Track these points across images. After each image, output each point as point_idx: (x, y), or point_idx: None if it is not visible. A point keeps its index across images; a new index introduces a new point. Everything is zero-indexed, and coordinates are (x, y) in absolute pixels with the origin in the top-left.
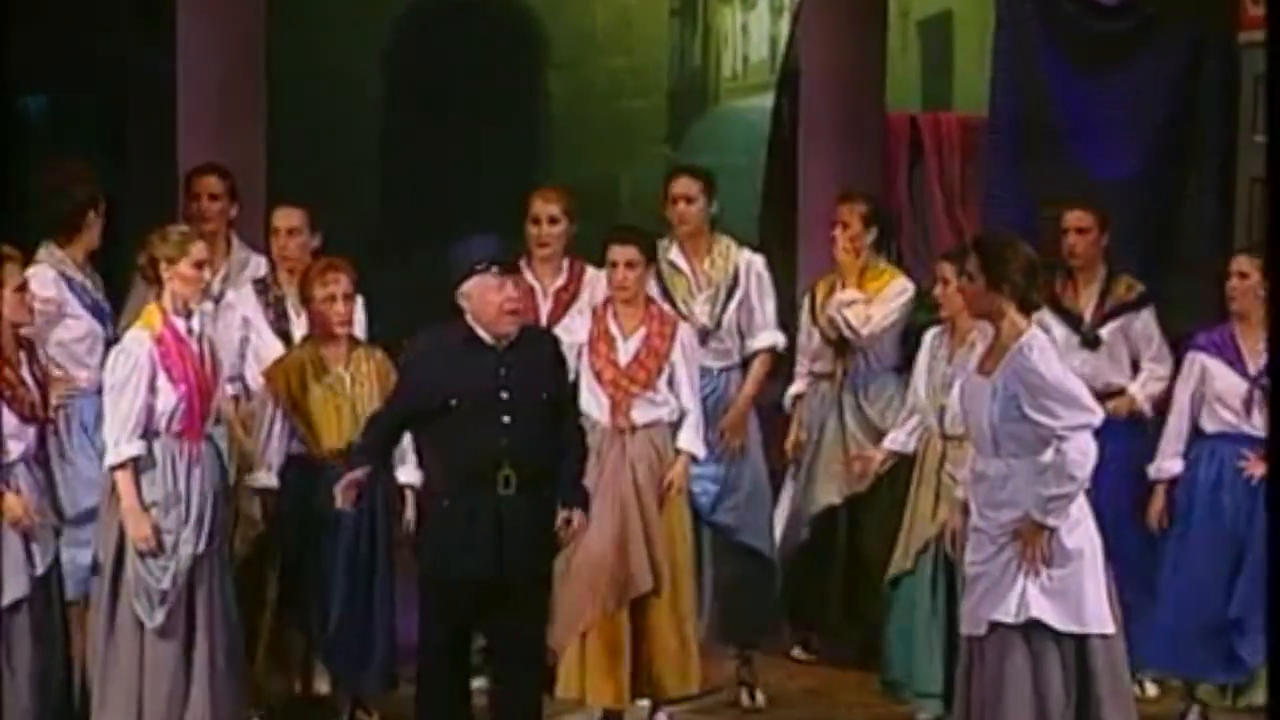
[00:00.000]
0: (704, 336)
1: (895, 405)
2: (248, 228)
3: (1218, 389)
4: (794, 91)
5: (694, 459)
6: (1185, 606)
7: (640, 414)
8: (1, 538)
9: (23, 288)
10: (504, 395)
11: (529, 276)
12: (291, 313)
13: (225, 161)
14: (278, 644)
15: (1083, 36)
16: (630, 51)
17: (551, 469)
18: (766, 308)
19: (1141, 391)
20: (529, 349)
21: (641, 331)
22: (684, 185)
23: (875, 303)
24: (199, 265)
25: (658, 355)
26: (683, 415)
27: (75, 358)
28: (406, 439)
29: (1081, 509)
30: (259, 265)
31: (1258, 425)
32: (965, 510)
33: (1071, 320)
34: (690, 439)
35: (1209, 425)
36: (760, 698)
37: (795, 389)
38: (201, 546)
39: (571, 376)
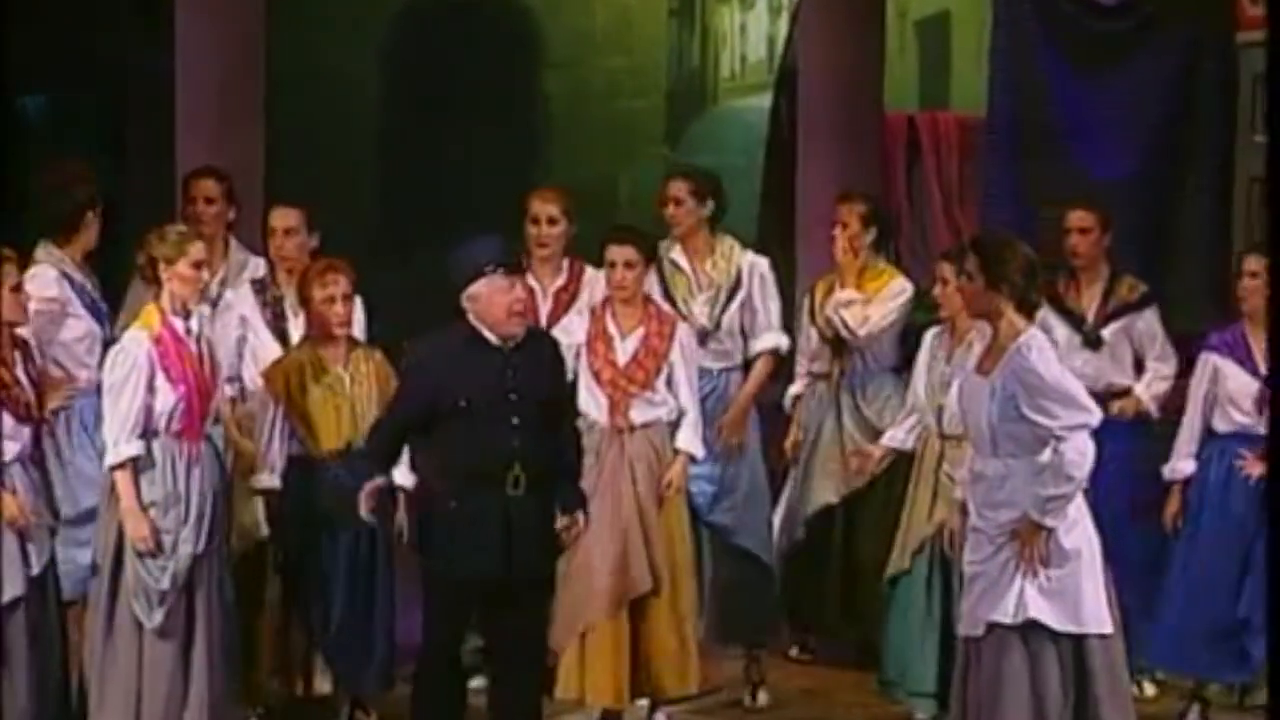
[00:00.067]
0: (703, 337)
1: (893, 405)
2: (246, 228)
3: (1229, 389)
4: (792, 91)
5: (692, 459)
6: (1194, 606)
7: (639, 414)
8: None
9: (18, 287)
10: (512, 396)
11: (528, 277)
12: (289, 313)
13: (223, 161)
14: (279, 644)
15: (1081, 36)
16: (628, 52)
17: (556, 470)
18: (770, 309)
19: (1147, 392)
20: (533, 350)
21: (640, 331)
22: (672, 188)
23: (873, 303)
24: (197, 265)
25: (656, 355)
26: (681, 415)
27: (76, 358)
28: None
29: (1079, 509)
30: (257, 267)
31: None
32: (964, 510)
33: (1074, 320)
34: (689, 439)
35: (1220, 425)
36: (762, 698)
37: (794, 389)
38: (200, 546)
39: (570, 377)
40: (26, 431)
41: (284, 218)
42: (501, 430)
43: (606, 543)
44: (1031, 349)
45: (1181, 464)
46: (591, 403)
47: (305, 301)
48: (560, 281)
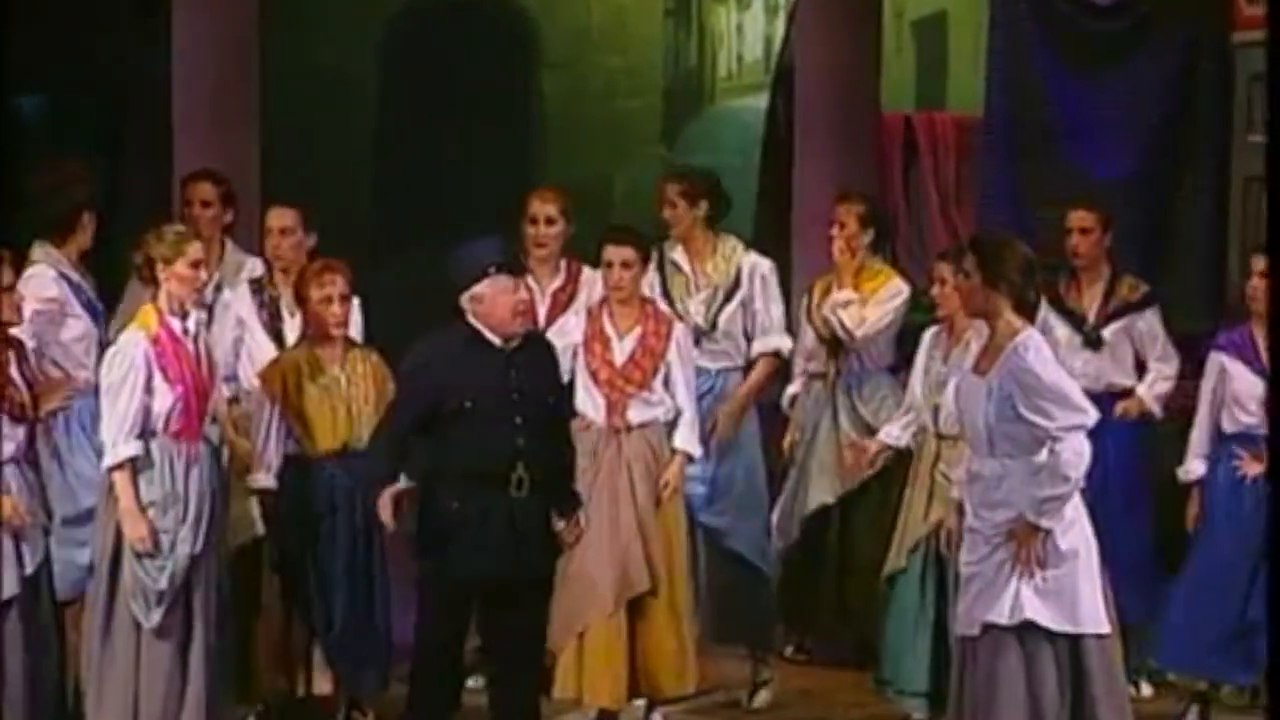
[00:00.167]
0: (698, 337)
1: (889, 405)
2: (242, 228)
3: (1236, 390)
4: (789, 91)
5: (690, 459)
6: (1204, 607)
7: (636, 414)
8: None
9: (11, 288)
10: (515, 396)
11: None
12: (285, 313)
13: (220, 161)
14: (278, 644)
15: (1077, 36)
16: (625, 51)
17: (556, 471)
18: (772, 311)
19: (1149, 392)
20: (532, 351)
21: (637, 331)
22: (665, 190)
23: (870, 304)
24: (195, 265)
25: (653, 355)
26: (678, 415)
27: (75, 358)
28: None
29: (1076, 509)
30: (255, 267)
31: None
32: (960, 510)
33: (1075, 320)
34: (686, 439)
35: (1228, 426)
36: (761, 699)
37: (791, 389)
38: (199, 547)
39: (568, 377)
40: (21, 432)
41: (279, 218)
42: (505, 431)
43: (604, 543)
44: (1029, 349)
45: (1194, 465)
46: (589, 403)
47: (302, 302)
48: (558, 282)
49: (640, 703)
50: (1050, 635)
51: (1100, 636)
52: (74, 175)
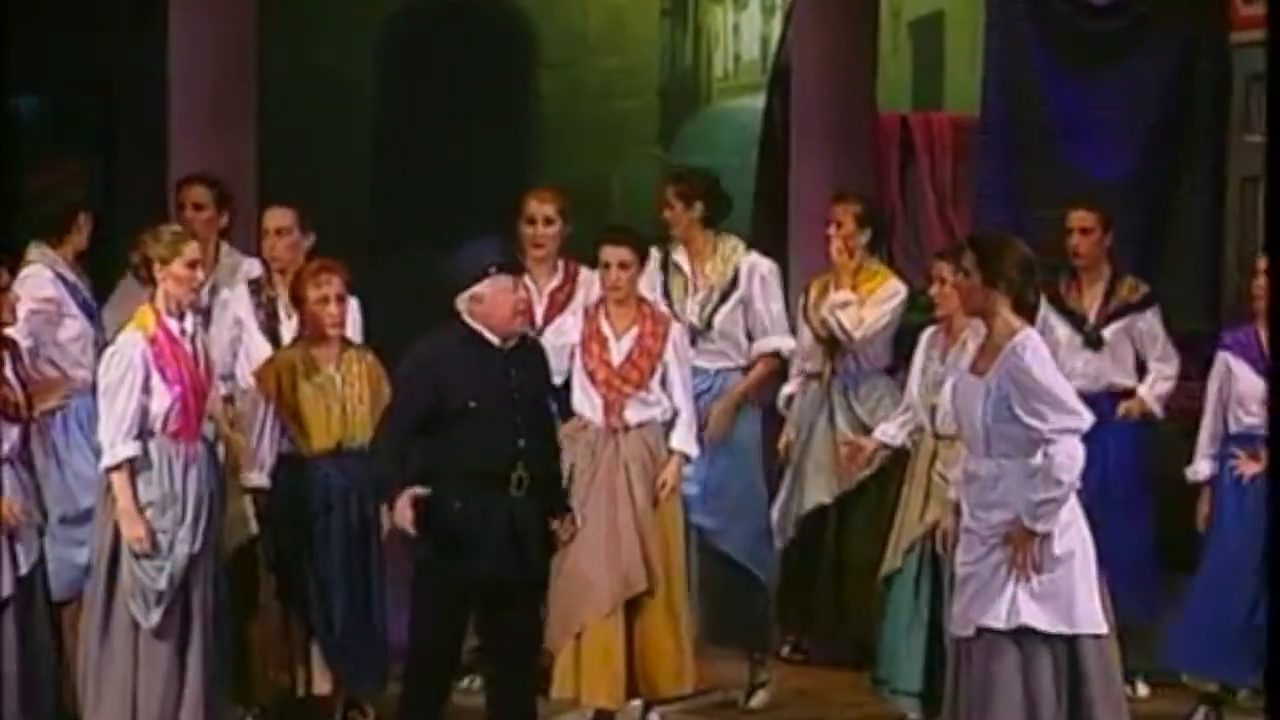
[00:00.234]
0: (694, 337)
1: (885, 405)
2: (241, 229)
3: (1240, 390)
4: (785, 91)
5: (687, 459)
6: (1213, 609)
7: (633, 414)
8: None
9: (7, 288)
10: (515, 396)
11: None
12: (283, 314)
13: (217, 162)
14: (276, 644)
15: (1074, 36)
16: (622, 51)
17: (551, 471)
18: (773, 311)
19: (1150, 393)
20: (527, 351)
21: (634, 331)
22: (665, 191)
23: (868, 305)
24: (192, 265)
25: (650, 355)
26: (675, 415)
27: (72, 358)
28: None
29: (1073, 510)
30: (251, 268)
31: None
32: (957, 511)
33: (1075, 320)
34: (683, 439)
35: (1232, 426)
36: (758, 699)
37: (787, 389)
38: (197, 547)
39: (565, 377)
40: (15, 432)
41: (275, 218)
42: (506, 431)
43: (601, 543)
44: (1026, 349)
45: (1201, 465)
46: (586, 403)
47: (299, 302)
48: (556, 282)
49: (637, 703)
50: (1047, 637)
51: (1097, 637)
52: (70, 175)
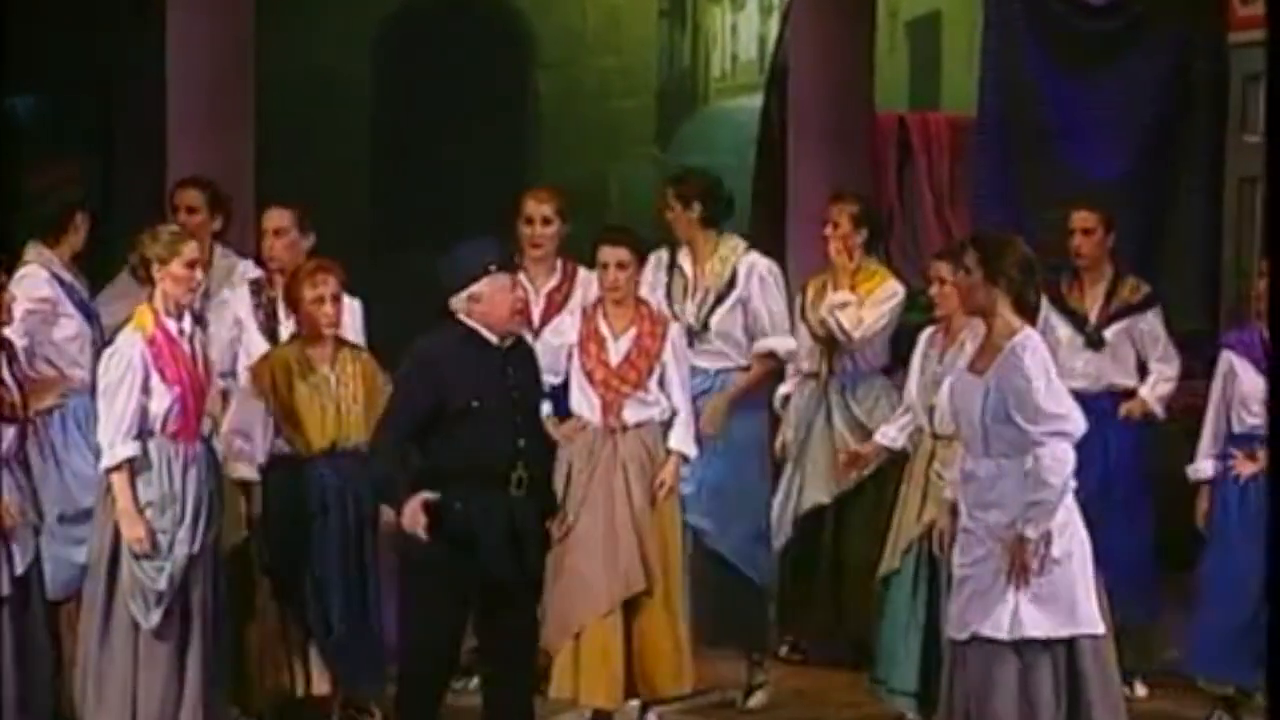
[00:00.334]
0: (691, 338)
1: (882, 405)
2: (238, 229)
3: (1243, 389)
4: (783, 91)
5: (685, 459)
6: (1221, 610)
7: (631, 414)
8: None
9: (3, 288)
10: (515, 395)
11: (522, 277)
12: (282, 314)
13: (215, 162)
14: (274, 645)
15: (1071, 36)
16: (619, 51)
17: (546, 470)
18: (772, 311)
19: (1152, 394)
20: (522, 350)
21: (632, 331)
22: (665, 192)
23: (867, 305)
24: (191, 265)
25: (649, 355)
26: (674, 415)
27: (69, 357)
28: None
29: (1070, 511)
30: (246, 270)
31: None
32: (953, 511)
33: (1077, 321)
34: (681, 439)
35: (1235, 426)
36: (755, 700)
37: (783, 389)
38: (197, 547)
39: (562, 377)
40: (12, 431)
41: (273, 219)
42: (507, 430)
43: (600, 543)
44: (1026, 349)
45: (1203, 464)
46: (584, 403)
47: (295, 301)
48: (553, 282)
49: (635, 703)
50: (1047, 643)
51: (1094, 637)
52: (68, 175)
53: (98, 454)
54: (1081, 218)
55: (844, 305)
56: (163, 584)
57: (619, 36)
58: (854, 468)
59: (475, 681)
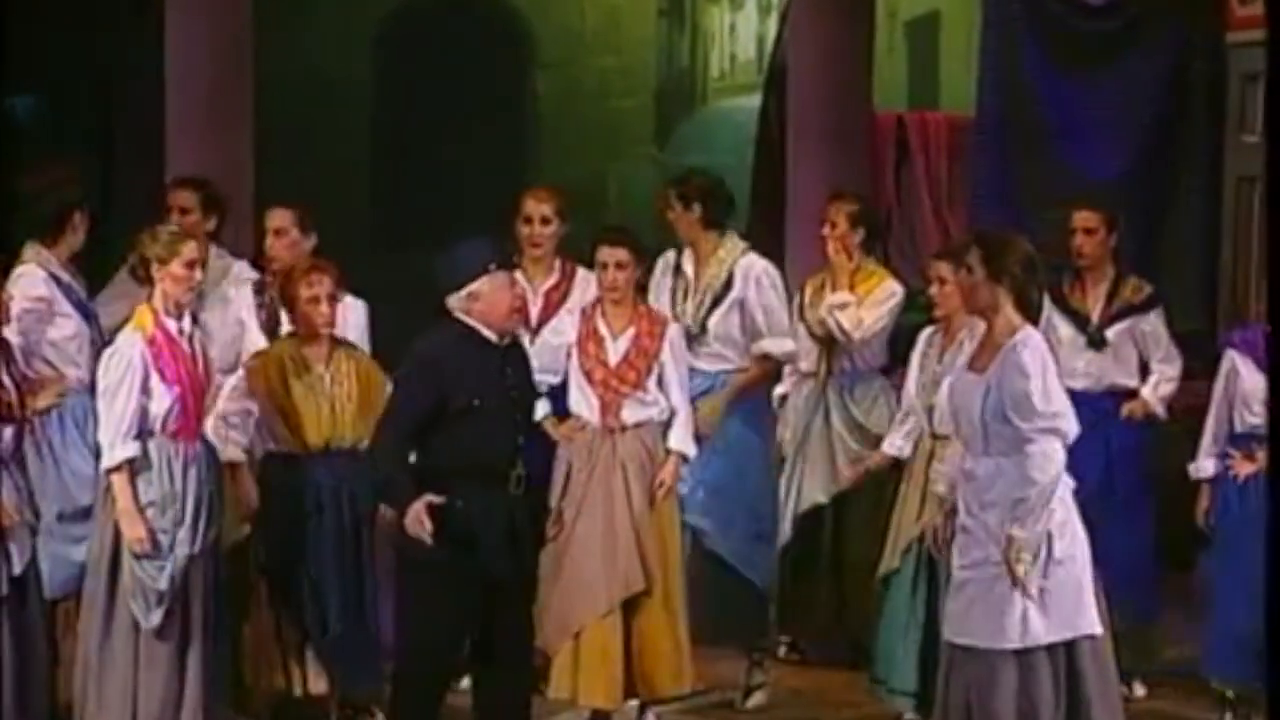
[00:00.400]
0: (690, 340)
1: (880, 404)
2: (236, 229)
3: (1245, 389)
4: (781, 91)
5: (685, 458)
6: (1238, 612)
7: (630, 414)
8: None
9: None
10: (513, 394)
11: (519, 276)
12: (283, 315)
13: (213, 162)
14: (270, 645)
15: (1070, 36)
16: (618, 51)
17: (541, 469)
18: (769, 313)
19: (1154, 395)
20: (518, 349)
21: (631, 331)
22: (667, 193)
23: (866, 305)
24: (190, 265)
25: (647, 355)
26: (673, 415)
27: (67, 356)
28: None
29: (1069, 511)
30: (241, 271)
31: None
32: (943, 504)
33: (1079, 321)
34: (680, 439)
35: (1237, 425)
36: (754, 700)
37: (780, 389)
38: (197, 547)
39: (561, 377)
40: (9, 431)
41: (273, 219)
42: (507, 428)
43: (599, 543)
44: (1026, 346)
45: (1204, 463)
46: (583, 403)
47: (290, 301)
48: (551, 281)
49: (633, 703)
50: (1048, 646)
51: (1093, 638)
52: (67, 175)
53: (96, 452)
54: (1084, 217)
55: (843, 306)
56: (163, 584)
57: (618, 36)
58: (859, 476)
59: (465, 682)
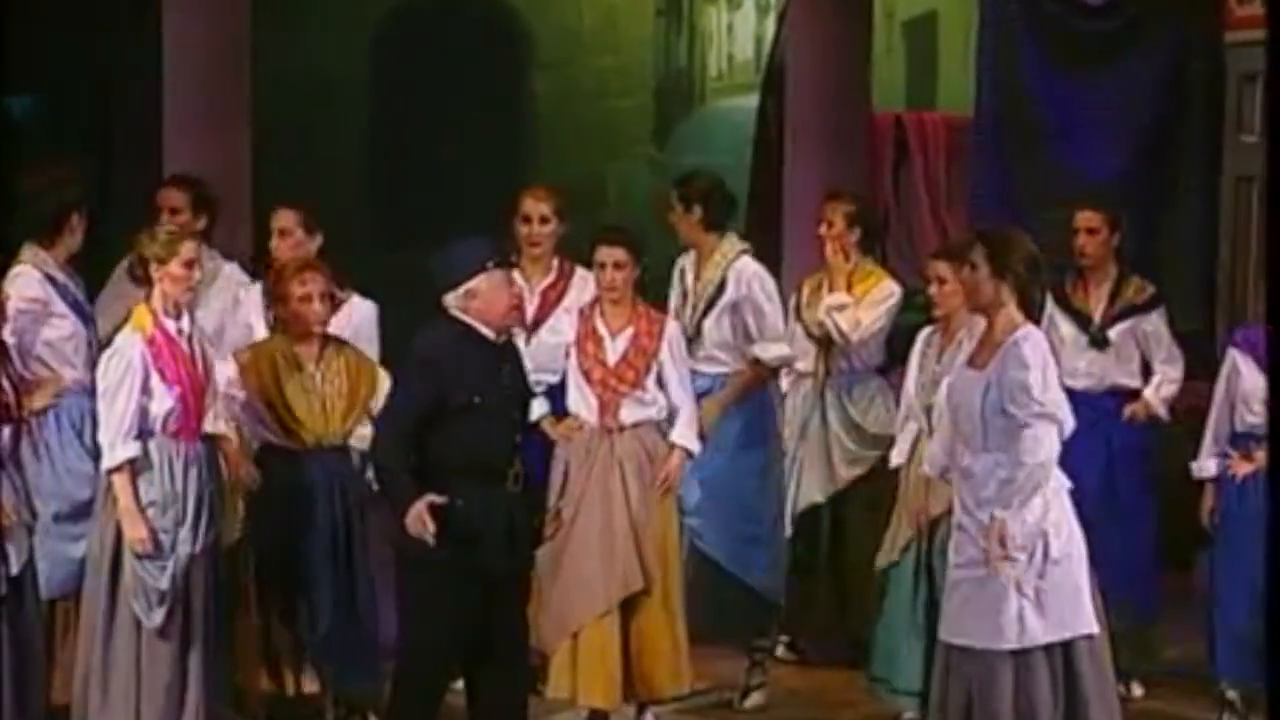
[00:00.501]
0: (686, 343)
1: (878, 405)
2: (229, 228)
3: (1245, 388)
4: (779, 91)
5: (689, 454)
6: (1243, 612)
7: (629, 413)
8: None
9: None
10: (510, 392)
11: (517, 275)
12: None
13: (212, 161)
14: (262, 644)
15: (1068, 36)
16: (616, 51)
17: (535, 466)
18: (765, 317)
19: (1156, 395)
20: (512, 347)
21: (629, 331)
22: (669, 195)
23: (864, 306)
24: (189, 265)
25: (646, 354)
26: (673, 413)
27: (64, 357)
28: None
29: (1064, 510)
30: (232, 272)
31: None
32: (928, 483)
33: (1081, 320)
34: (683, 434)
35: (1238, 424)
36: (752, 700)
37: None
38: (198, 546)
39: (560, 376)
40: (6, 432)
41: (278, 219)
42: (505, 426)
43: (597, 542)
44: (1027, 342)
45: (1206, 462)
46: (581, 402)
47: (283, 299)
48: (549, 280)
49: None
50: (1046, 647)
51: (1090, 637)
52: (65, 175)
53: (93, 451)
54: (1086, 217)
55: (841, 307)
56: (165, 583)
57: (616, 36)
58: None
59: (460, 682)
